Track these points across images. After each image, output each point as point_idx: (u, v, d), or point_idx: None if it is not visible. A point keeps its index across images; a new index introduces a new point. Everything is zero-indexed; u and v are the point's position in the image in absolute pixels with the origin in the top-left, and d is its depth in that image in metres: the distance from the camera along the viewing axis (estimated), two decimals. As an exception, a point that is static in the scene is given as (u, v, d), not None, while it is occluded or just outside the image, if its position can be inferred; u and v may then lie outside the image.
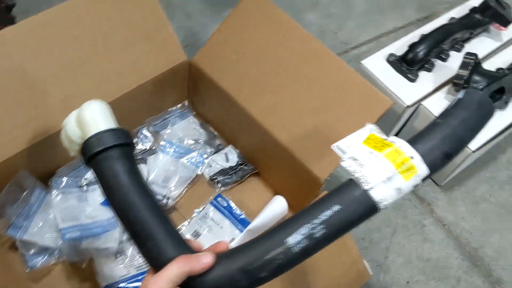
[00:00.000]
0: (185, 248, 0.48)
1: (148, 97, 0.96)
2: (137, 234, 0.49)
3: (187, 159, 0.97)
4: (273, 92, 0.88)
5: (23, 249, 0.83)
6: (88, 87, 0.85)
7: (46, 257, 0.83)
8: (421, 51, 1.09)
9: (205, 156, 1.00)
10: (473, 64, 1.02)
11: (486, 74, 1.03)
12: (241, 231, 0.88)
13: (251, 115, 0.89)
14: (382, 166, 0.44)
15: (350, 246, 0.79)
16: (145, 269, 0.78)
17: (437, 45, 1.11)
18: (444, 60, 1.14)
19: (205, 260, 0.45)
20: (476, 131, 0.50)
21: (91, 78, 0.85)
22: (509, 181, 1.17)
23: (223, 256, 0.47)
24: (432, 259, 1.02)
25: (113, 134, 0.53)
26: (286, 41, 0.89)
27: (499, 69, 1.09)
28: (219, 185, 0.97)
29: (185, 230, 0.90)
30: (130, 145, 0.55)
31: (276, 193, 0.96)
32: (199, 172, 0.98)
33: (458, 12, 1.27)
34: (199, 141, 1.01)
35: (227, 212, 0.91)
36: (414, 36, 1.18)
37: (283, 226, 0.46)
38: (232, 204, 0.92)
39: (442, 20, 1.24)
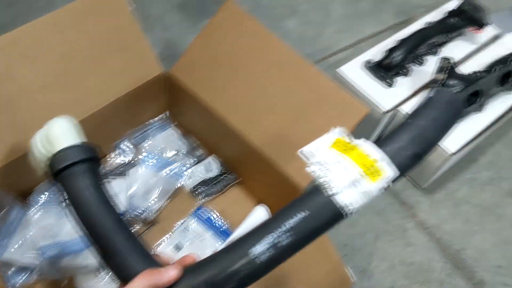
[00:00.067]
0: (151, 262, 0.48)
1: (126, 110, 0.95)
2: (103, 249, 0.49)
3: (167, 171, 0.96)
4: (251, 102, 0.88)
5: (3, 268, 0.82)
6: (64, 102, 0.84)
7: (26, 275, 0.82)
8: (397, 56, 1.10)
9: (186, 167, 0.99)
10: (448, 68, 1.03)
11: (461, 77, 1.04)
12: (224, 243, 0.88)
13: (230, 125, 0.89)
14: (347, 170, 0.44)
15: (332, 253, 0.80)
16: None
17: (413, 50, 1.12)
18: (420, 64, 1.15)
19: (170, 273, 0.45)
20: (446, 130, 0.50)
21: (66, 94, 0.85)
22: (489, 182, 1.18)
23: (189, 269, 0.47)
24: (415, 263, 1.02)
25: (78, 149, 0.54)
26: (262, 51, 0.89)
27: (474, 72, 1.11)
28: (201, 196, 0.97)
29: (167, 243, 0.90)
30: (96, 160, 0.55)
31: (259, 201, 0.97)
32: (180, 184, 0.98)
33: (434, 16, 1.28)
34: (180, 152, 1.01)
35: (209, 223, 0.91)
36: (390, 41, 1.19)
37: (248, 236, 0.45)
38: (214, 216, 0.92)
39: (418, 24, 1.25)
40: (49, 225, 0.83)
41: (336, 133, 0.48)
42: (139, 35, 0.92)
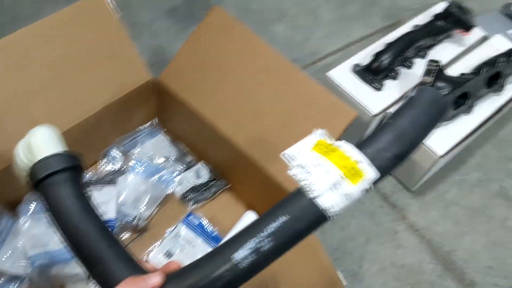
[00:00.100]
0: (135, 269, 0.48)
1: (115, 117, 0.95)
2: (86, 258, 0.49)
3: (157, 178, 0.96)
4: (240, 107, 0.89)
5: (-7, 278, 0.82)
6: (52, 111, 0.84)
7: (16, 285, 0.82)
8: (385, 60, 1.10)
9: (176, 173, 0.99)
10: (436, 70, 1.03)
11: (449, 80, 1.05)
12: (214, 249, 0.88)
13: (220, 131, 0.89)
14: (328, 173, 0.43)
15: (323, 257, 0.80)
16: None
17: (401, 53, 1.13)
18: (408, 67, 1.16)
19: (153, 280, 0.45)
20: (428, 129, 0.49)
21: (54, 102, 0.85)
22: (478, 184, 1.19)
23: (173, 275, 0.46)
24: (406, 265, 1.03)
25: (59, 158, 0.53)
26: (250, 56, 0.89)
27: (462, 75, 1.11)
28: (191, 202, 0.97)
29: (158, 250, 0.90)
30: (77, 169, 0.55)
31: (249, 207, 0.97)
32: (170, 191, 0.98)
33: (422, 19, 1.29)
34: (170, 158, 1.01)
35: (200, 230, 0.91)
36: (378, 45, 1.19)
37: (230, 242, 0.45)
38: (205, 222, 0.92)
39: (406, 28, 1.26)
40: (38, 234, 0.83)
41: (318, 135, 0.48)
42: (127, 42, 0.92)
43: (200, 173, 1.00)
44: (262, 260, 0.43)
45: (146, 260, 0.88)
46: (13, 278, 0.82)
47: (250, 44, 0.90)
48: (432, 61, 1.05)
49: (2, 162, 0.78)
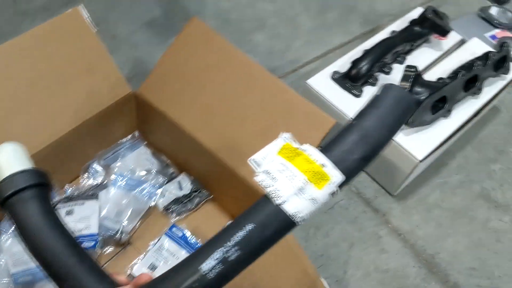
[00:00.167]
0: (106, 283, 0.48)
1: (95, 131, 0.95)
2: (56, 275, 0.48)
3: (139, 190, 0.96)
4: (219, 118, 0.89)
5: (-25, 297, 0.81)
6: (32, 126, 0.84)
7: (-1, 303, 0.82)
8: (363, 66, 1.12)
9: (158, 186, 0.99)
10: (413, 76, 1.05)
11: (427, 84, 1.07)
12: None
13: (200, 142, 0.89)
14: (293, 178, 0.43)
15: (306, 265, 0.80)
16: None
17: (379, 59, 1.14)
18: (387, 73, 1.17)
19: None
20: (394, 128, 0.48)
21: (34, 118, 0.84)
22: (460, 185, 1.20)
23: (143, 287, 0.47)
24: (390, 269, 1.04)
25: (25, 175, 0.52)
26: (229, 67, 0.90)
27: (439, 79, 1.13)
28: (174, 214, 0.96)
29: (141, 263, 0.89)
30: (45, 185, 0.54)
31: (232, 217, 0.97)
32: (152, 203, 0.97)
33: (399, 25, 1.31)
34: (151, 171, 1.01)
35: (183, 242, 0.91)
36: (356, 52, 1.21)
37: (198, 253, 0.44)
38: (188, 234, 0.92)
39: (383, 34, 1.27)
40: (20, 251, 0.83)
41: (283, 139, 0.47)
42: (105, 56, 0.92)
43: (183, 185, 1.00)
44: (230, 270, 0.43)
45: (130, 274, 0.88)
46: (-4, 296, 0.81)
47: (228, 55, 0.90)
48: (409, 66, 1.06)
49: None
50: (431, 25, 1.24)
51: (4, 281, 0.81)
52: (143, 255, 0.91)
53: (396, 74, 1.17)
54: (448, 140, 1.10)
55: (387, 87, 0.49)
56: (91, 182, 0.98)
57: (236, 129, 0.87)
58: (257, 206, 0.45)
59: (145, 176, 0.99)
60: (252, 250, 0.44)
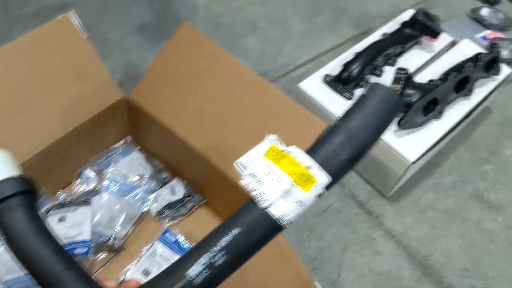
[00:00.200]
0: None
1: (88, 137, 0.95)
2: (43, 282, 0.48)
3: (132, 196, 0.96)
4: (211, 122, 0.89)
5: (-32, 305, 0.81)
6: (23, 134, 0.84)
7: (-9, 311, 0.81)
8: (354, 69, 1.12)
9: (151, 191, 0.99)
10: (404, 78, 1.05)
11: (418, 87, 1.07)
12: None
13: (192, 147, 0.89)
14: (279, 181, 0.43)
15: (300, 268, 0.80)
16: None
17: (370, 62, 1.15)
18: (378, 76, 1.18)
19: None
20: (381, 129, 0.47)
21: (25, 124, 0.84)
22: (453, 186, 1.21)
23: None
24: (384, 271, 1.04)
25: (12, 182, 0.52)
26: (220, 71, 0.90)
27: (430, 81, 1.13)
28: (167, 219, 0.96)
29: (135, 269, 0.89)
30: (32, 192, 0.54)
31: (226, 221, 0.97)
32: (145, 209, 0.97)
33: (391, 27, 1.31)
34: (144, 176, 1.01)
35: (176, 247, 0.91)
36: (348, 55, 1.21)
37: (184, 258, 0.44)
38: (181, 239, 0.92)
39: (374, 36, 1.28)
40: (12, 259, 0.82)
41: (269, 141, 0.47)
42: (96, 61, 0.92)
43: (176, 190, 1.00)
44: (216, 275, 0.43)
45: (123, 280, 0.88)
46: (-12, 304, 0.81)
47: (220, 59, 0.90)
48: (400, 69, 1.07)
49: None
50: (422, 27, 1.25)
51: (-3, 289, 0.81)
52: (136, 260, 0.90)
53: (387, 76, 1.17)
54: (440, 142, 1.11)
55: (373, 87, 0.48)
56: (83, 188, 0.98)
57: (228, 133, 0.88)
58: (243, 210, 0.44)
59: (138, 181, 0.99)
60: (239, 255, 0.43)
